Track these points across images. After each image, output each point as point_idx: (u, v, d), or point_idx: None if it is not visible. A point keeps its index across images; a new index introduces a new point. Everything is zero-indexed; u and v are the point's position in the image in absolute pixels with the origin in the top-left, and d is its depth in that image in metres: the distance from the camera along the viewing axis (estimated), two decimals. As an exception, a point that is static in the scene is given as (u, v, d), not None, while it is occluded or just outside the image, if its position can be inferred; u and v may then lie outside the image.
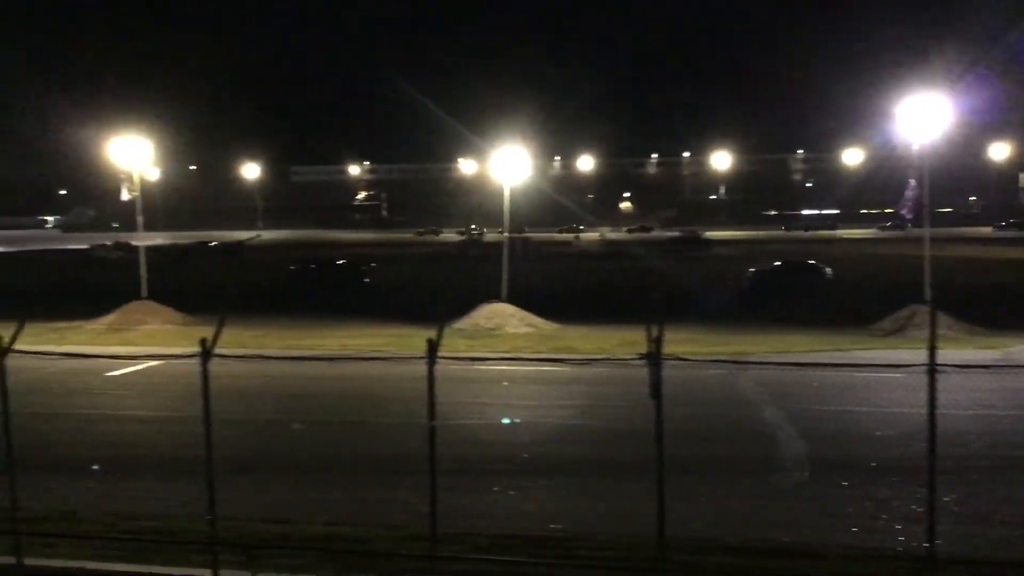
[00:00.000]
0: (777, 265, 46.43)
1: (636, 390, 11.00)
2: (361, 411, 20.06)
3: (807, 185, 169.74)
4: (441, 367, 9.96)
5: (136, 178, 39.27)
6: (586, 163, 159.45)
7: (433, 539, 10.15)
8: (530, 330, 32.22)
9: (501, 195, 37.43)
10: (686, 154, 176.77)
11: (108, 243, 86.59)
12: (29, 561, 10.87)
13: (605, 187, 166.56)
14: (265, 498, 13.87)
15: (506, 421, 19.03)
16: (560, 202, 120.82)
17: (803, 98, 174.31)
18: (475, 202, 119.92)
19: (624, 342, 26.83)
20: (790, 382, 20.58)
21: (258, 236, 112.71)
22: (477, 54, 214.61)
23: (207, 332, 10.59)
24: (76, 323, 34.00)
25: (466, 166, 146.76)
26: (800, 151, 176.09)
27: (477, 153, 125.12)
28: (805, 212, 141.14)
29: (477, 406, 19.51)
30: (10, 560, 10.82)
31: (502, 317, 33.10)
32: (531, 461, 16.03)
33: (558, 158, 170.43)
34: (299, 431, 18.66)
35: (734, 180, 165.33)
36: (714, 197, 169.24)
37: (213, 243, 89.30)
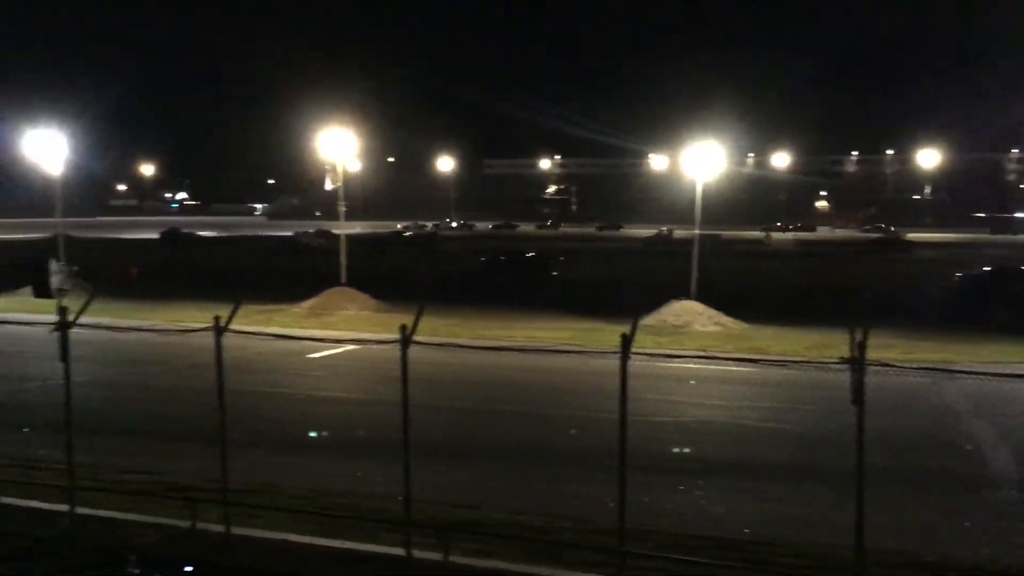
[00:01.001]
0: (987, 271, 43.78)
1: (829, 394, 10.60)
2: (548, 402, 20.21)
3: (1022, 187, 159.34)
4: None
5: (339, 169, 40.94)
6: (781, 160, 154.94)
7: (621, 534, 10.08)
8: (718, 329, 31.64)
9: (692, 191, 36.85)
10: (889, 152, 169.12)
11: (311, 231, 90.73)
12: (236, 530, 11.50)
13: (800, 185, 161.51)
14: (453, 483, 14.14)
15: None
16: (753, 200, 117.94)
17: (1019, 93, 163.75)
18: (665, 198, 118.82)
19: (816, 344, 25.98)
20: (999, 394, 19.33)
21: (452, 226, 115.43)
22: (672, 49, 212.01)
23: (401, 319, 10.90)
24: (280, 306, 35.77)
25: (657, 161, 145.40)
26: (1015, 150, 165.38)
27: (669, 148, 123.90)
28: (1018, 215, 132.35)
29: (664, 403, 19.30)
30: (220, 528, 11.47)
31: (691, 315, 32.65)
32: (719, 462, 15.71)
33: (752, 155, 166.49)
34: (487, 419, 18.98)
35: (941, 179, 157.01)
36: (918, 197, 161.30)
37: (408, 233, 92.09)
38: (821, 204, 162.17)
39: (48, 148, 45.22)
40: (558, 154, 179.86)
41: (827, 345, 23.48)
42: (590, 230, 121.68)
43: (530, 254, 57.09)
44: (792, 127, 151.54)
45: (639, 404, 16.33)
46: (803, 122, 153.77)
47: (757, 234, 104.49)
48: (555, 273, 50.49)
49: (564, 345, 25.76)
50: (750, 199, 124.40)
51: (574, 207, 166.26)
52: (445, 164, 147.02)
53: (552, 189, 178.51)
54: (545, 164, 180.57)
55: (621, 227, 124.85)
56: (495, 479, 14.76)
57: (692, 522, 12.45)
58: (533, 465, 15.51)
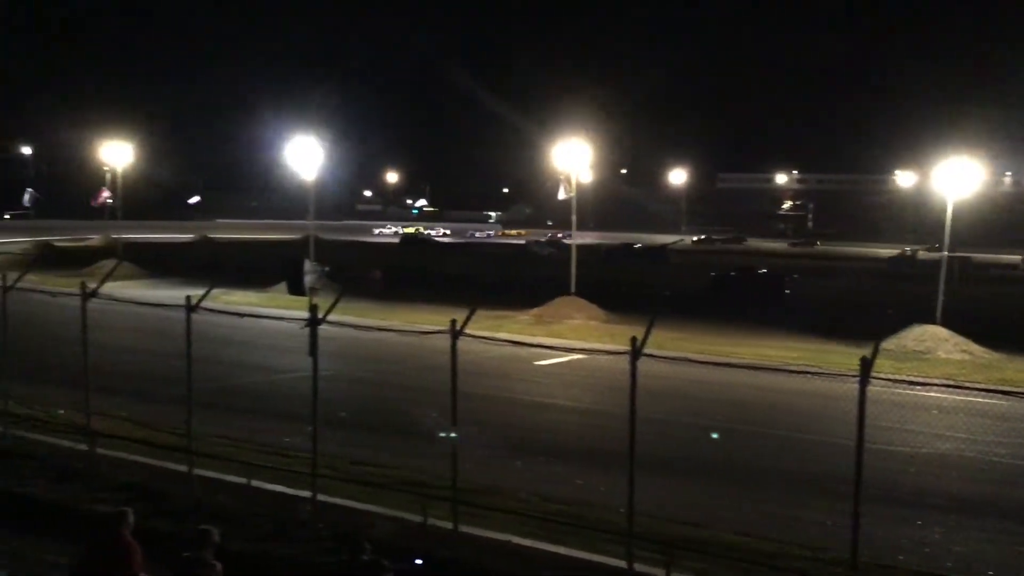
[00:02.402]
0: None
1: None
2: (777, 423, 19.66)
3: None
4: (856, 388, 9.47)
5: (573, 180, 41.42)
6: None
7: (854, 567, 9.67)
8: (964, 357, 29.71)
9: (941, 210, 34.77)
10: None
11: (542, 239, 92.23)
12: (463, 528, 11.86)
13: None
14: (678, 498, 13.99)
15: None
16: (1010, 222, 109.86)
17: None
18: (911, 217, 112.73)
19: (1078, 380, 23.92)
20: None
21: (682, 240, 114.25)
22: (921, 60, 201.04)
23: (628, 330, 10.90)
24: (510, 312, 36.56)
25: (903, 178, 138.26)
26: None
27: (916, 164, 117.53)
28: None
29: (903, 433, 18.31)
30: (448, 524, 11.88)
31: (934, 340, 30.83)
32: (962, 498, 14.77)
33: (1009, 173, 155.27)
34: (715, 437, 18.66)
35: None
36: None
37: (638, 245, 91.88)
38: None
39: (305, 155, 48.36)
40: (795, 169, 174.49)
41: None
42: (823, 247, 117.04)
43: (762, 270, 55.68)
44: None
45: (875, 432, 15.59)
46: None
47: (1014, 258, 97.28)
48: (788, 291, 49.02)
49: (795, 365, 24.95)
50: (1007, 221, 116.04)
51: (810, 223, 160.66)
52: (677, 177, 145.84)
53: (788, 204, 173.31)
54: (781, 179, 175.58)
55: (816, 243, 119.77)
56: (720, 498, 14.50)
57: (930, 559, 11.77)
58: (761, 486, 15.13)
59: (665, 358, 11.72)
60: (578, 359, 24.74)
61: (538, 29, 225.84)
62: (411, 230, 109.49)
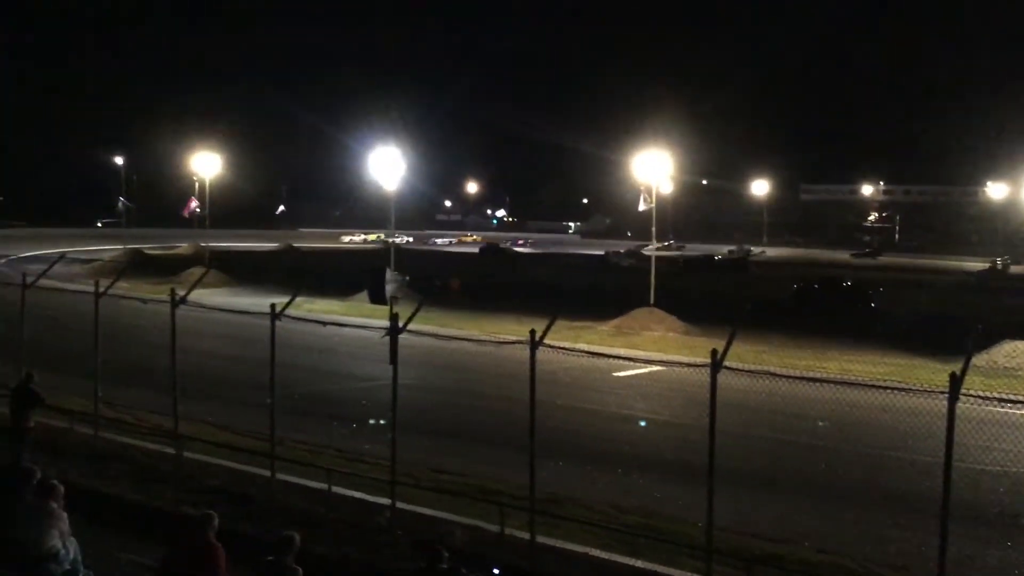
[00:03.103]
0: None
1: None
2: (862, 439, 19.22)
3: None
4: (944, 405, 9.22)
5: (653, 191, 41.19)
6: None
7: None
8: (1060, 375, 28.71)
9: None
10: None
11: (621, 250, 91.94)
12: (540, 538, 11.85)
13: None
14: (758, 514, 13.80)
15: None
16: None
17: None
18: (1003, 230, 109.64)
19: None
20: None
21: (763, 252, 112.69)
22: (1003, 70, 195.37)
23: (708, 342, 10.79)
24: (589, 323, 36.42)
25: (994, 190, 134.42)
26: None
27: (1009, 177, 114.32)
28: None
29: (994, 452, 17.75)
30: (525, 535, 11.88)
31: (1026, 357, 29.88)
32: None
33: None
34: (796, 451, 18.36)
35: None
36: None
37: (718, 256, 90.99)
38: None
39: (387, 166, 48.99)
40: (881, 180, 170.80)
41: None
42: (915, 260, 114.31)
43: (847, 283, 54.66)
44: None
45: (964, 450, 15.18)
46: None
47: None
48: (873, 304, 47.99)
49: (881, 380, 24.37)
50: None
51: (897, 236, 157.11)
52: (760, 188, 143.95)
53: (873, 216, 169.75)
54: (867, 190, 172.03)
55: (879, 255, 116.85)
56: (803, 515, 14.25)
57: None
58: (843, 503, 14.83)
59: (746, 371, 11.56)
60: (657, 371, 24.54)
61: (620, 38, 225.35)
62: (372, 237, 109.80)
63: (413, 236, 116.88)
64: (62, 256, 30.10)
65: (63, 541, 8.54)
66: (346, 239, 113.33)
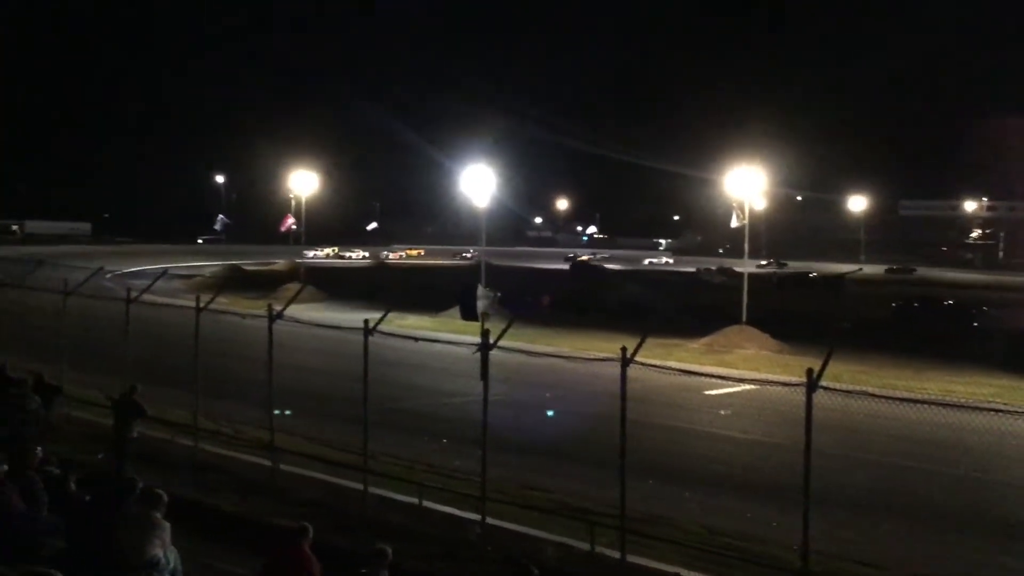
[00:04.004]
0: None
1: None
2: (963, 463, 18.60)
3: None
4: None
5: (746, 207, 40.69)
6: None
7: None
8: None
9: None
10: None
11: (713, 267, 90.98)
12: (630, 558, 11.76)
13: None
14: (855, 538, 13.47)
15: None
16: None
17: None
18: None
19: None
20: None
21: (860, 270, 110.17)
22: None
23: (802, 361, 10.63)
24: (679, 341, 36.11)
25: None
26: None
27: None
28: None
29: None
30: (615, 554, 11.81)
31: None
32: None
33: None
34: (896, 474, 17.89)
35: None
36: None
37: (813, 274, 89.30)
38: None
39: (478, 183, 49.42)
40: (984, 196, 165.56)
41: None
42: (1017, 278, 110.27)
43: (948, 302, 53.15)
44: None
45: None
46: None
47: None
48: (976, 324, 46.54)
49: (985, 402, 23.61)
50: None
51: (1001, 253, 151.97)
52: (857, 204, 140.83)
53: (976, 233, 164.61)
54: (970, 207, 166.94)
55: (915, 271, 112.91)
56: (903, 540, 13.88)
57: None
58: (942, 528, 14.38)
59: (843, 391, 11.32)
60: (749, 389, 24.17)
61: (715, 54, 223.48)
62: (326, 252, 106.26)
63: (368, 252, 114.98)
64: (164, 272, 30.98)
65: (164, 551, 8.77)
66: (311, 254, 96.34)
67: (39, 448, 11.20)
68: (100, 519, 9.03)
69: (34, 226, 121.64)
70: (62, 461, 11.79)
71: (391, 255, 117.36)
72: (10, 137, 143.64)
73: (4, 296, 22.37)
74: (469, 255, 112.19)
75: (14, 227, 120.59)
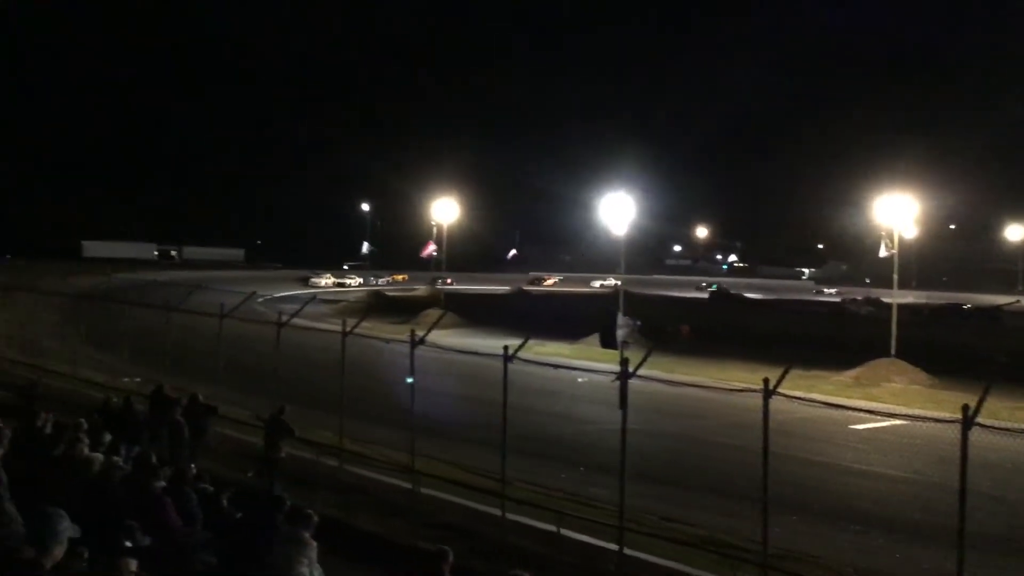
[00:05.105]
0: None
1: None
2: None
3: None
4: None
5: (895, 236, 39.38)
6: None
7: None
8: None
9: None
10: None
11: (859, 298, 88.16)
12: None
13: None
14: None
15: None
16: None
17: None
18: None
19: None
20: None
21: (1018, 301, 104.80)
22: None
23: (956, 397, 10.23)
24: (824, 373, 35.09)
25: None
26: None
27: None
28: None
29: None
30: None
31: None
32: None
33: None
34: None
35: None
36: None
37: (967, 306, 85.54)
38: None
39: (617, 211, 49.36)
40: None
41: None
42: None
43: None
44: None
45: None
46: None
47: None
48: None
49: None
50: None
51: None
52: (1015, 233, 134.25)
53: None
54: None
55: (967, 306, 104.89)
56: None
57: None
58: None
59: (1001, 429, 10.80)
60: (898, 425, 23.26)
61: (864, 80, 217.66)
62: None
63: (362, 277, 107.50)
64: (313, 297, 32.12)
65: (310, 569, 9.02)
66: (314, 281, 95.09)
67: (193, 465, 11.74)
68: (251, 536, 9.36)
69: (191, 252, 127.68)
70: (215, 478, 12.29)
71: (379, 280, 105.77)
72: (174, 166, 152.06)
73: (166, 319, 23.51)
74: (602, 284, 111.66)
75: (173, 253, 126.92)
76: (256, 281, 71.63)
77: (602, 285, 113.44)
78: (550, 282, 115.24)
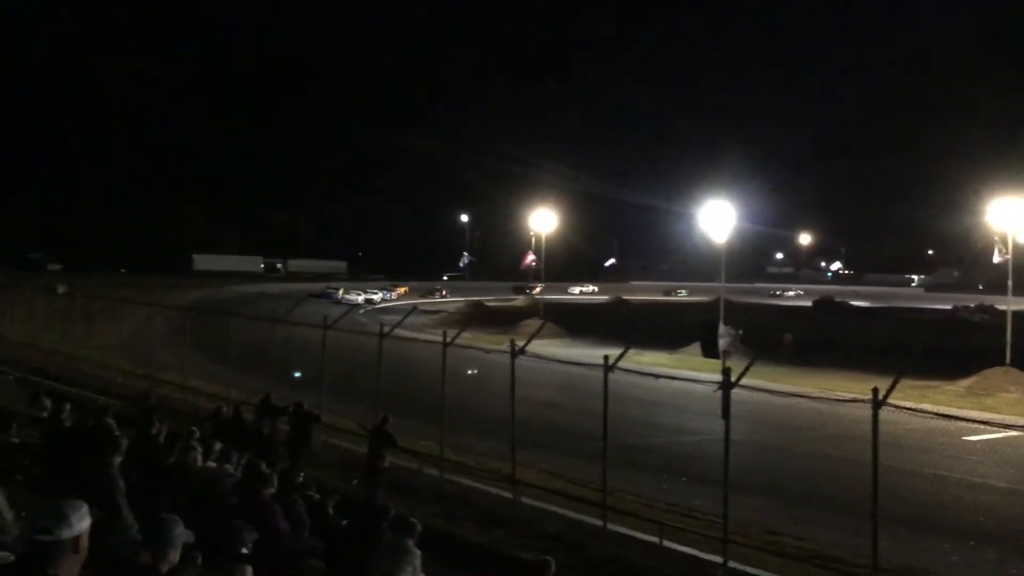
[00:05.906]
0: None
1: None
2: None
3: None
4: None
5: (1010, 240, 38.02)
6: None
7: None
8: None
9: None
10: None
11: (971, 305, 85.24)
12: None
13: None
14: None
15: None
16: None
17: None
18: None
19: None
20: None
21: None
22: None
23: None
24: (935, 383, 34.06)
25: None
26: None
27: None
28: None
29: None
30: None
31: None
32: None
33: None
34: None
35: None
36: None
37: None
38: None
39: (717, 219, 48.80)
40: None
41: None
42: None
43: None
44: None
45: None
46: None
47: None
48: None
49: None
50: None
51: None
52: None
53: None
54: None
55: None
56: None
57: None
58: None
59: None
60: (1014, 436, 22.40)
61: (967, 80, 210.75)
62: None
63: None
64: (414, 308, 32.47)
65: (413, 578, 9.13)
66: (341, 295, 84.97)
67: (301, 473, 11.99)
68: (356, 544, 9.53)
69: (296, 264, 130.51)
70: (320, 486, 12.54)
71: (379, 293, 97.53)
72: (280, 181, 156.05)
73: (274, 330, 24.08)
74: (580, 290, 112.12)
75: (278, 265, 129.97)
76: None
77: (580, 292, 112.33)
78: (538, 290, 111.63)
